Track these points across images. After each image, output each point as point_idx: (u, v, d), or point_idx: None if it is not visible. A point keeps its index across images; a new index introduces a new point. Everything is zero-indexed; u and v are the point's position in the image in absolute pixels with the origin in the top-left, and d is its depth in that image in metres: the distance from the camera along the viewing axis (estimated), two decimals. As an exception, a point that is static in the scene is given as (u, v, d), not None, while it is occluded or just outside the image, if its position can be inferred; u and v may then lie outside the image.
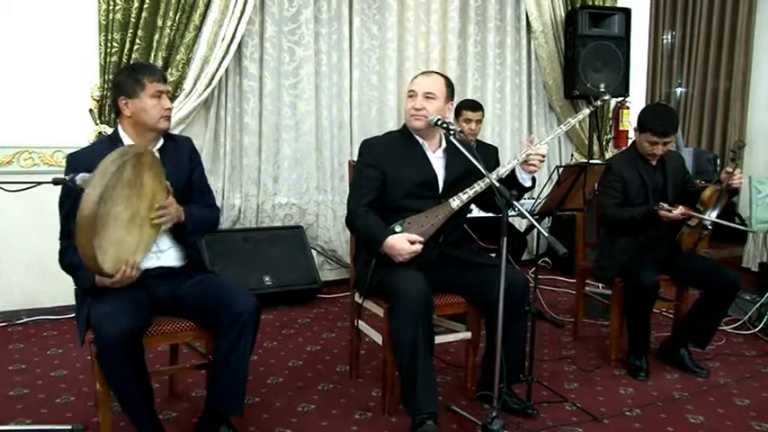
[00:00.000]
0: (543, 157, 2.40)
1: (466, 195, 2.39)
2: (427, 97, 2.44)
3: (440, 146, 2.55)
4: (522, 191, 2.47)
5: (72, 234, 1.84)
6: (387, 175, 2.46)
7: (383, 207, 2.46)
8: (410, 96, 2.48)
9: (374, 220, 2.39)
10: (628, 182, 2.98)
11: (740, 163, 2.94)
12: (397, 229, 2.36)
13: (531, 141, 2.42)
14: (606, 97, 2.79)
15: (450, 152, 2.53)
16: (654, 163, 3.03)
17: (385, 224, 2.38)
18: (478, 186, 2.38)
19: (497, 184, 2.21)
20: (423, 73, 2.61)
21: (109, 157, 1.84)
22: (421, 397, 2.19)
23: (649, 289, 2.81)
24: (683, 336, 3.01)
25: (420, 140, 2.52)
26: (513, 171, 2.43)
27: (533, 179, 2.48)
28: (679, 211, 2.80)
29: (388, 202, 2.46)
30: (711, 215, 2.93)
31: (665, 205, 2.82)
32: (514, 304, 2.30)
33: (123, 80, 2.18)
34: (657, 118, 2.93)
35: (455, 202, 2.40)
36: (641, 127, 2.98)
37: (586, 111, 2.67)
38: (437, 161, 2.53)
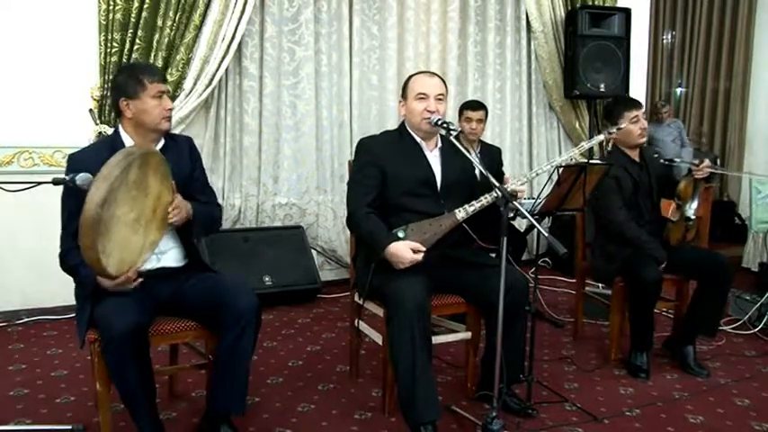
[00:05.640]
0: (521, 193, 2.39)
1: (472, 208, 2.37)
2: (439, 99, 2.45)
3: (436, 145, 2.55)
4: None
5: (77, 234, 1.84)
6: (386, 173, 2.44)
7: (382, 205, 2.45)
8: (421, 98, 2.45)
9: (377, 225, 2.36)
10: (622, 183, 2.99)
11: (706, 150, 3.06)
12: (400, 234, 2.34)
13: (508, 180, 2.43)
14: (622, 126, 2.89)
15: (446, 151, 2.54)
16: (638, 159, 3.06)
17: (387, 227, 2.37)
18: (485, 200, 2.36)
19: (497, 184, 2.21)
20: (425, 73, 2.59)
21: (114, 158, 1.84)
22: (421, 407, 2.17)
23: (652, 284, 2.80)
24: (690, 330, 2.99)
25: (418, 140, 2.52)
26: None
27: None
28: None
29: (388, 201, 2.45)
30: (692, 205, 2.98)
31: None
32: (514, 305, 2.30)
33: (124, 81, 2.16)
34: (625, 98, 3.22)
35: (460, 214, 2.38)
36: (618, 115, 3.01)
37: (600, 137, 2.73)
38: (434, 160, 2.52)
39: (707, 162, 2.96)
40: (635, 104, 3.05)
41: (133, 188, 1.89)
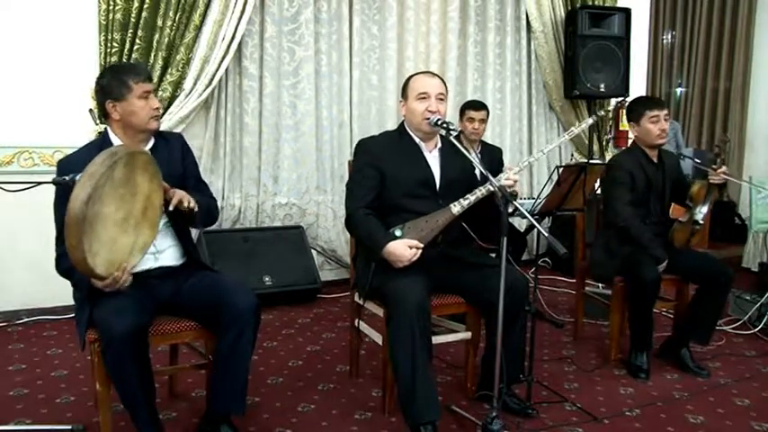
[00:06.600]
0: (515, 182, 2.36)
1: (467, 201, 2.36)
2: (440, 99, 2.44)
3: (436, 146, 2.55)
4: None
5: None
6: (385, 174, 2.44)
7: (381, 206, 2.44)
8: (422, 98, 2.44)
9: (375, 225, 2.36)
10: (636, 180, 2.99)
11: (725, 158, 3.02)
12: (398, 233, 2.34)
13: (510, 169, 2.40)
14: (610, 108, 2.87)
15: (446, 151, 2.53)
16: (655, 160, 3.05)
17: (385, 227, 2.37)
18: (479, 192, 2.34)
19: (497, 184, 2.21)
20: (426, 73, 2.59)
21: (98, 156, 1.82)
22: (421, 407, 2.17)
23: (651, 284, 2.80)
24: (685, 334, 3.01)
25: (417, 140, 2.51)
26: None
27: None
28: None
29: (387, 202, 2.45)
30: (702, 210, 2.96)
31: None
32: (514, 305, 2.30)
33: (108, 83, 2.12)
34: (647, 98, 3.16)
35: (455, 208, 2.37)
36: (638, 114, 3.00)
37: (590, 120, 2.72)
38: (433, 160, 2.52)
39: (725, 168, 2.94)
40: (657, 104, 3.01)
41: (119, 186, 1.86)
